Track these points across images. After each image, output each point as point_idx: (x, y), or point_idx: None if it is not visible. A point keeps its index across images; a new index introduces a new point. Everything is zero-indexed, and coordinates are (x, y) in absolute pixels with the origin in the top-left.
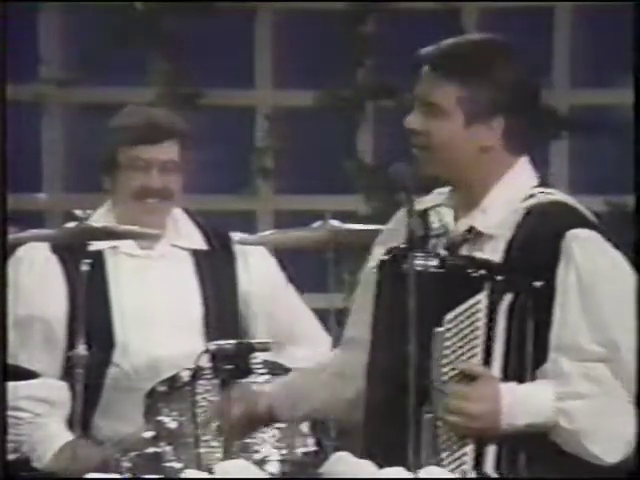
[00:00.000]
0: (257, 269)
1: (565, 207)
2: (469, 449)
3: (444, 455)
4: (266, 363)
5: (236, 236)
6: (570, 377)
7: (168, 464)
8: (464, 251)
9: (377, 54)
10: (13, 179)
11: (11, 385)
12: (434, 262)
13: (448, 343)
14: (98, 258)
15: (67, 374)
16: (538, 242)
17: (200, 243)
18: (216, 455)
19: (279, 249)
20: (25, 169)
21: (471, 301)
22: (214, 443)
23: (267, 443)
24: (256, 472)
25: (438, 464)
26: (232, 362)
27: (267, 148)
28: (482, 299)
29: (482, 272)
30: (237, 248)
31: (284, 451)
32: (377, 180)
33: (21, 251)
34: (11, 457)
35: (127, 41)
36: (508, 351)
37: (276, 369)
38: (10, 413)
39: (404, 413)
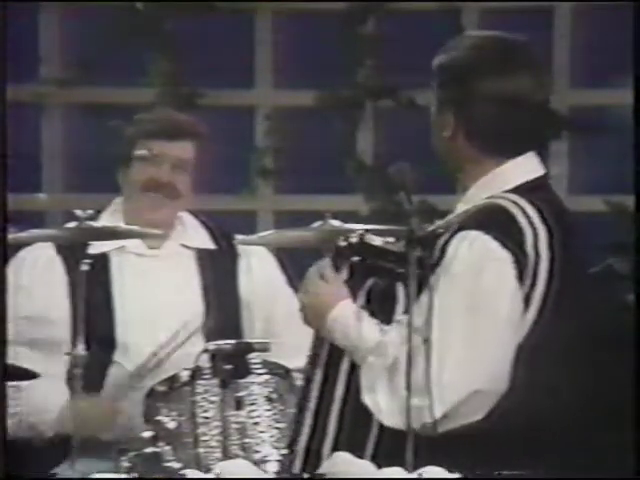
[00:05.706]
0: (258, 270)
1: (493, 210)
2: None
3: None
4: (265, 363)
5: (238, 237)
6: (383, 341)
7: (167, 464)
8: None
9: (377, 54)
10: (13, 179)
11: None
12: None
13: None
14: (102, 258)
15: (68, 374)
16: (445, 240)
17: (207, 242)
18: (215, 455)
19: (279, 249)
20: (25, 169)
21: None
22: (213, 443)
23: (267, 443)
24: (256, 472)
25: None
26: (231, 362)
27: (267, 148)
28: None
29: (350, 256)
30: (240, 248)
31: (284, 451)
32: (377, 180)
33: (25, 251)
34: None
35: (127, 41)
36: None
37: (275, 369)
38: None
39: None
